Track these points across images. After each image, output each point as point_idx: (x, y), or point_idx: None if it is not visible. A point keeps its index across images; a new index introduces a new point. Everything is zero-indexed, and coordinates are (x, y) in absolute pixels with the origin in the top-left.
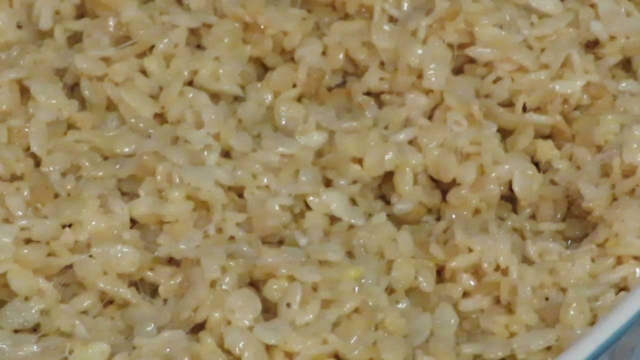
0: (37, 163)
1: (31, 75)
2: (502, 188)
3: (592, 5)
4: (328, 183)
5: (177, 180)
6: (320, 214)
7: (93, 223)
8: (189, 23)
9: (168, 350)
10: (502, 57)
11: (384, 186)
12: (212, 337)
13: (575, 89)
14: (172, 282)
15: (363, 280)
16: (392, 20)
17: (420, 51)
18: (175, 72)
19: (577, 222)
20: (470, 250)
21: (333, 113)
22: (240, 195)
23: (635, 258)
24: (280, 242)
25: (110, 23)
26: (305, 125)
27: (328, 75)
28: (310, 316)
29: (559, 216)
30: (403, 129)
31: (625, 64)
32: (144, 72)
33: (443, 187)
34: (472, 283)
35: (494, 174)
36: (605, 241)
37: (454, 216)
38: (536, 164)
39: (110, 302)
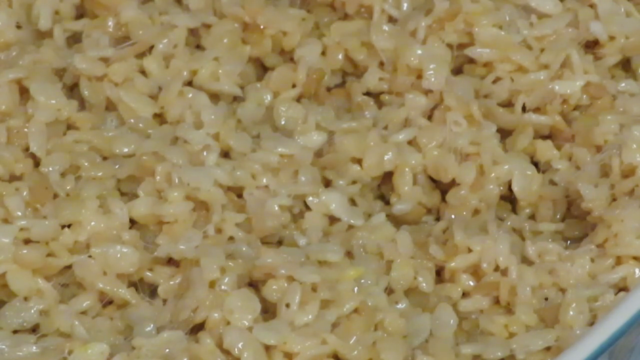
0: (37, 163)
1: (30, 76)
2: (501, 188)
3: (592, 6)
4: (327, 183)
5: (177, 181)
6: (320, 214)
7: (92, 223)
8: (188, 23)
9: (167, 350)
10: (501, 57)
11: (384, 186)
12: (212, 337)
13: (574, 89)
14: (171, 283)
15: (362, 281)
16: (391, 20)
17: (419, 51)
18: (175, 73)
19: (577, 222)
20: (470, 250)
21: (332, 113)
22: (240, 196)
23: (635, 258)
24: (280, 243)
25: (110, 23)
26: (304, 126)
27: (327, 75)
28: (310, 316)
29: (558, 216)
30: (402, 129)
31: (625, 64)
32: (143, 72)
33: (442, 188)
34: (471, 283)
35: (493, 174)
36: (604, 241)
37: (453, 216)
38: (536, 164)
39: (110, 302)
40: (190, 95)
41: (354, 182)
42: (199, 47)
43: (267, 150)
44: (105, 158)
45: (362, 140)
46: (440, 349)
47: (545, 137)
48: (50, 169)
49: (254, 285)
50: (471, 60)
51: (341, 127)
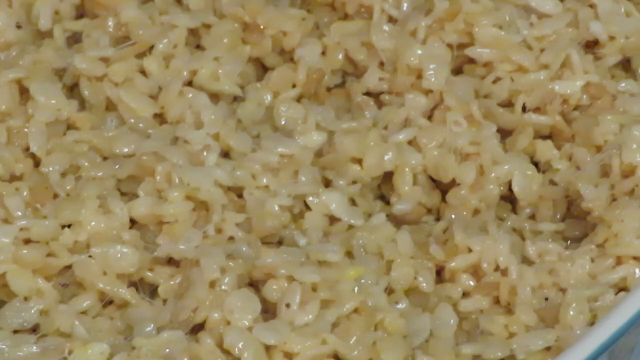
0: (37, 163)
1: (30, 76)
2: (501, 188)
3: (592, 6)
4: (327, 183)
5: (177, 181)
6: (320, 214)
7: (92, 223)
8: (188, 23)
9: (167, 350)
10: (501, 57)
11: (384, 186)
12: (212, 337)
13: (574, 89)
14: (171, 283)
15: (362, 281)
16: (391, 20)
17: (419, 51)
18: (175, 73)
19: (577, 222)
20: (470, 250)
21: (332, 113)
22: (240, 196)
23: (635, 258)
24: (280, 243)
25: (110, 23)
26: (304, 126)
27: (327, 75)
28: (310, 316)
29: (558, 216)
30: (402, 129)
31: (625, 64)
32: (143, 72)
33: (442, 188)
34: (471, 283)
35: (493, 174)
36: (604, 241)
37: (453, 216)
38: (536, 164)
39: (110, 302)
40: (190, 95)
41: (354, 182)
42: (199, 47)
43: (267, 150)
44: (105, 158)
45: (362, 140)
46: (440, 349)
47: (545, 137)
48: (50, 169)
49: (254, 285)
50: (471, 60)
51: (341, 127)
